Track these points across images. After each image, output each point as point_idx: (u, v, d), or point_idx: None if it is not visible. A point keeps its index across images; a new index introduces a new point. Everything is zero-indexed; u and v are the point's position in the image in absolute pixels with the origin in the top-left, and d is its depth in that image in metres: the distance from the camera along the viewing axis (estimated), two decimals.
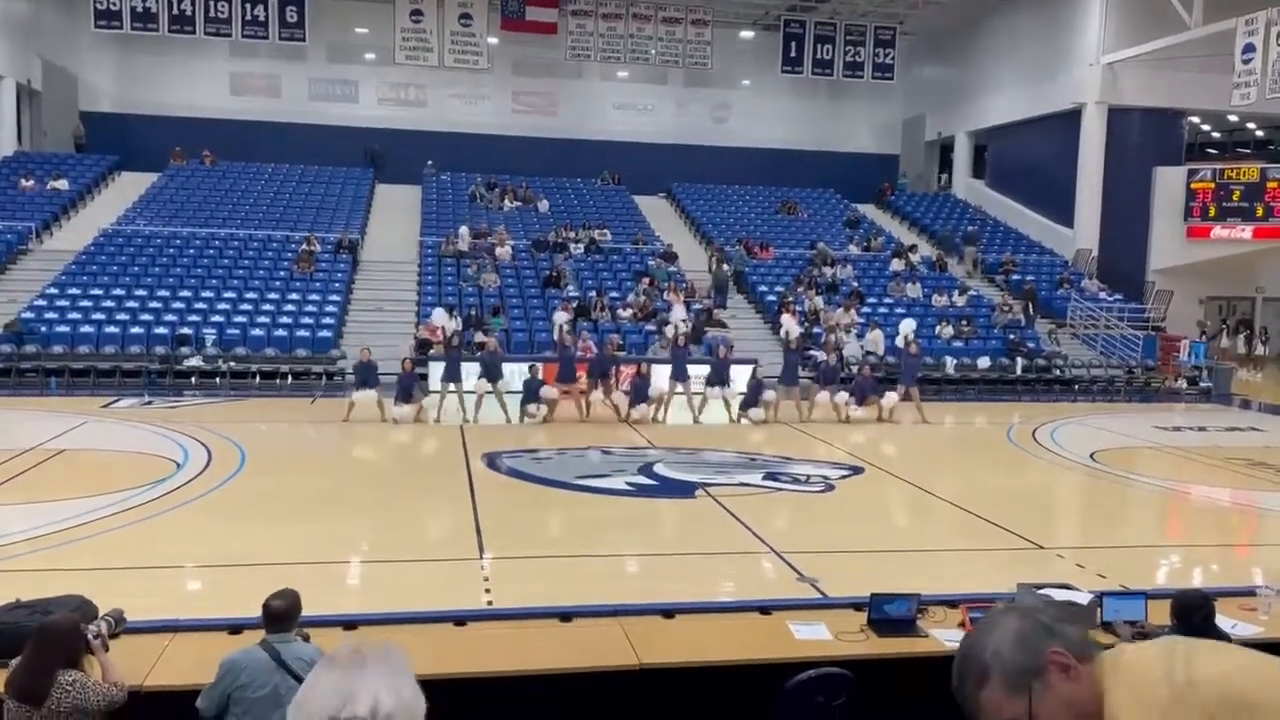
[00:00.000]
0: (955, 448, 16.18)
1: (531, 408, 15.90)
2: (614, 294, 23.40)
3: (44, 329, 19.18)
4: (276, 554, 8.22)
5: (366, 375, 15.60)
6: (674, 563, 8.58)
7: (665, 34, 32.22)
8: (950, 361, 21.61)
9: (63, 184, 26.56)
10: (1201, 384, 22.03)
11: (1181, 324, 25.19)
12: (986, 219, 31.42)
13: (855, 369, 18.26)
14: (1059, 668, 1.57)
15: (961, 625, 4.97)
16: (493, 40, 31.69)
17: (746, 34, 34.68)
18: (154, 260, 22.92)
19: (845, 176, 34.00)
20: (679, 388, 16.81)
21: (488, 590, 7.45)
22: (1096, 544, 9.73)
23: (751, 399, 16.44)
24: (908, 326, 20.49)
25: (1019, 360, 21.80)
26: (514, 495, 11.17)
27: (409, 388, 15.42)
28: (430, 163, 31.04)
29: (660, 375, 17.20)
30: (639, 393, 16.27)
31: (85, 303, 20.44)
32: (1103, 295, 25.66)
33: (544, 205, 29.62)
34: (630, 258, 26.18)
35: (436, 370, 17.77)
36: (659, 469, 12.42)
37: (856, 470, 12.64)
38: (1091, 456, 14.09)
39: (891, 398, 16.88)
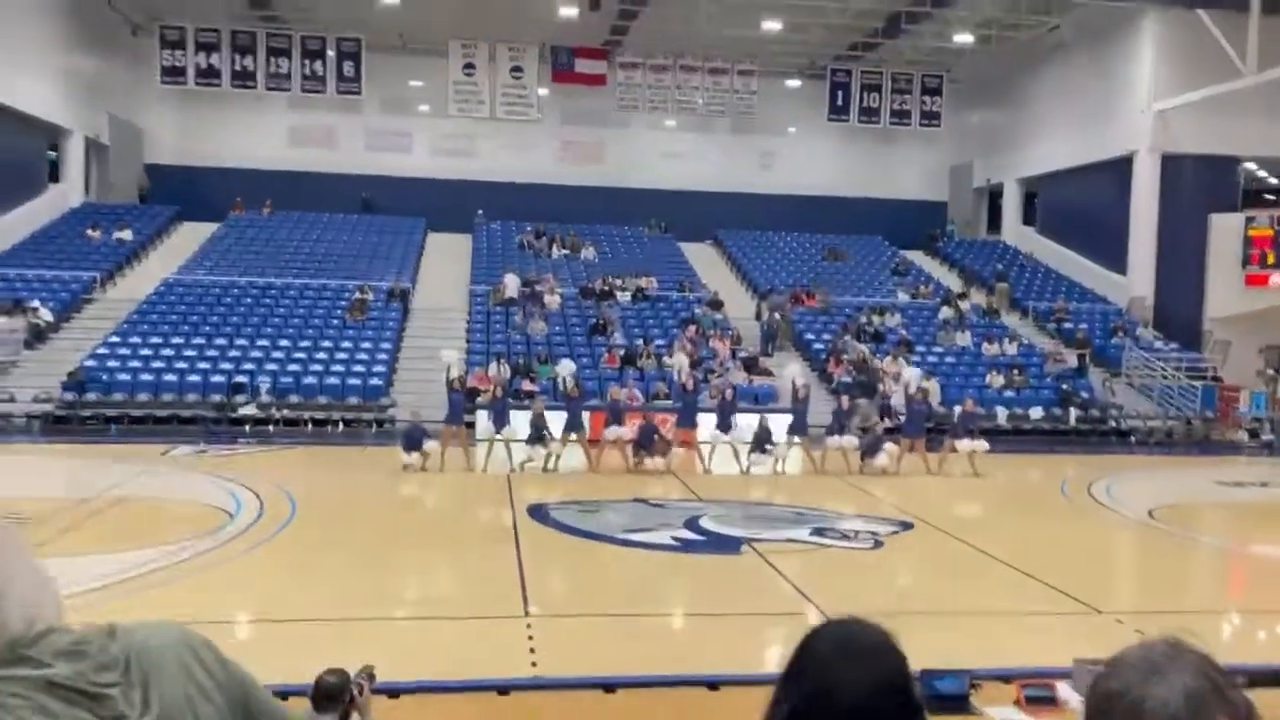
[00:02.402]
0: (1008, 502, 15.89)
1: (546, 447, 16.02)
2: (660, 342, 23.47)
3: (105, 377, 19.70)
4: (322, 610, 8.29)
5: (417, 438, 15.72)
6: (720, 624, 8.51)
7: (712, 84, 32.57)
8: (1002, 412, 21.30)
9: (127, 234, 27.39)
10: (1263, 436, 21.48)
11: (1241, 374, 24.61)
12: (1038, 266, 31.12)
13: (902, 416, 18.10)
14: None
15: (1016, 703, 4.87)
16: (543, 91, 32.25)
17: (792, 83, 34.92)
18: (212, 309, 23.49)
19: (892, 223, 33.92)
20: (724, 438, 16.77)
21: (532, 650, 7.43)
22: (1156, 609, 9.47)
23: (758, 444, 16.34)
24: (912, 375, 19.69)
25: (1072, 410, 21.44)
26: (559, 549, 11.17)
27: (418, 439, 15.60)
28: (480, 212, 31.52)
29: (705, 428, 17.19)
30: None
31: (145, 351, 20.98)
32: (1158, 344, 25.20)
33: (589, 253, 29.89)
34: (676, 305, 26.28)
35: (484, 419, 17.91)
36: (705, 523, 12.35)
37: (906, 526, 12.46)
38: (1150, 514, 13.76)
39: (892, 449, 16.62)
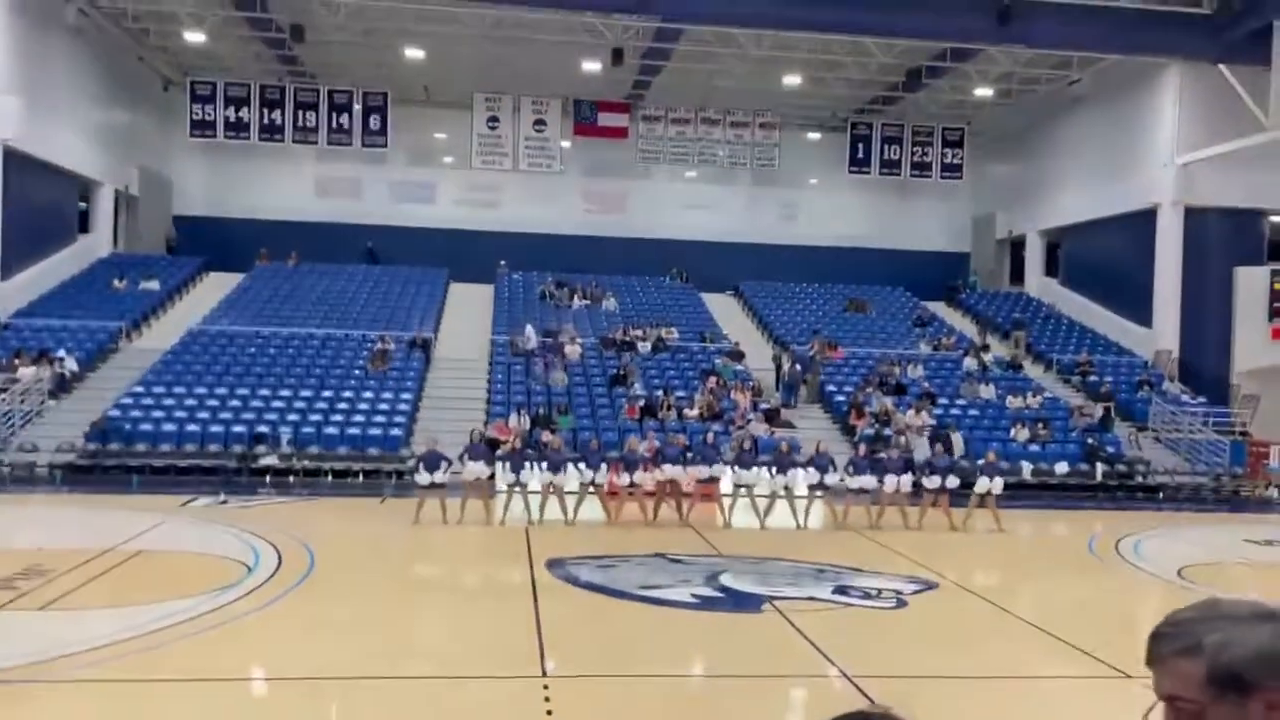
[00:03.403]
0: (1033, 560, 15.64)
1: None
2: (680, 393, 23.42)
3: (128, 427, 19.82)
4: (337, 668, 8.20)
5: (435, 461, 15.74)
6: (741, 686, 8.35)
7: (733, 137, 32.88)
8: (1027, 466, 21.04)
9: (154, 284, 27.75)
10: None
11: (1270, 428, 24.24)
12: (1061, 318, 30.95)
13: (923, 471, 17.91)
14: (1268, 705, 1.45)
15: None
16: (565, 144, 32.64)
17: (813, 136, 35.19)
18: (236, 359, 23.68)
19: (914, 274, 33.91)
20: (743, 490, 16.65)
21: (549, 712, 7.31)
22: None
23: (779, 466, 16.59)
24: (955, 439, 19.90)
25: (1099, 466, 21.16)
26: (577, 605, 11.04)
27: (436, 462, 15.63)
28: (502, 262, 31.76)
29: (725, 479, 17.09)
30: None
31: (169, 401, 21.13)
32: (1185, 398, 24.90)
33: (610, 303, 30.00)
34: (697, 356, 26.26)
35: (503, 471, 17.83)
36: (725, 579, 12.19)
37: (930, 585, 12.24)
38: (1179, 573, 13.48)
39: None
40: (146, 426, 19.92)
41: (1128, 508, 20.00)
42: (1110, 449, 22.05)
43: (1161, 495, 21.10)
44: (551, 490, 16.03)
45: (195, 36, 27.78)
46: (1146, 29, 23.74)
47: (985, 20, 23.12)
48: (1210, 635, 1.48)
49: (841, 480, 16.68)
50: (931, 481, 16.45)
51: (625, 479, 16.21)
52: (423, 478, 15.59)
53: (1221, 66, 24.36)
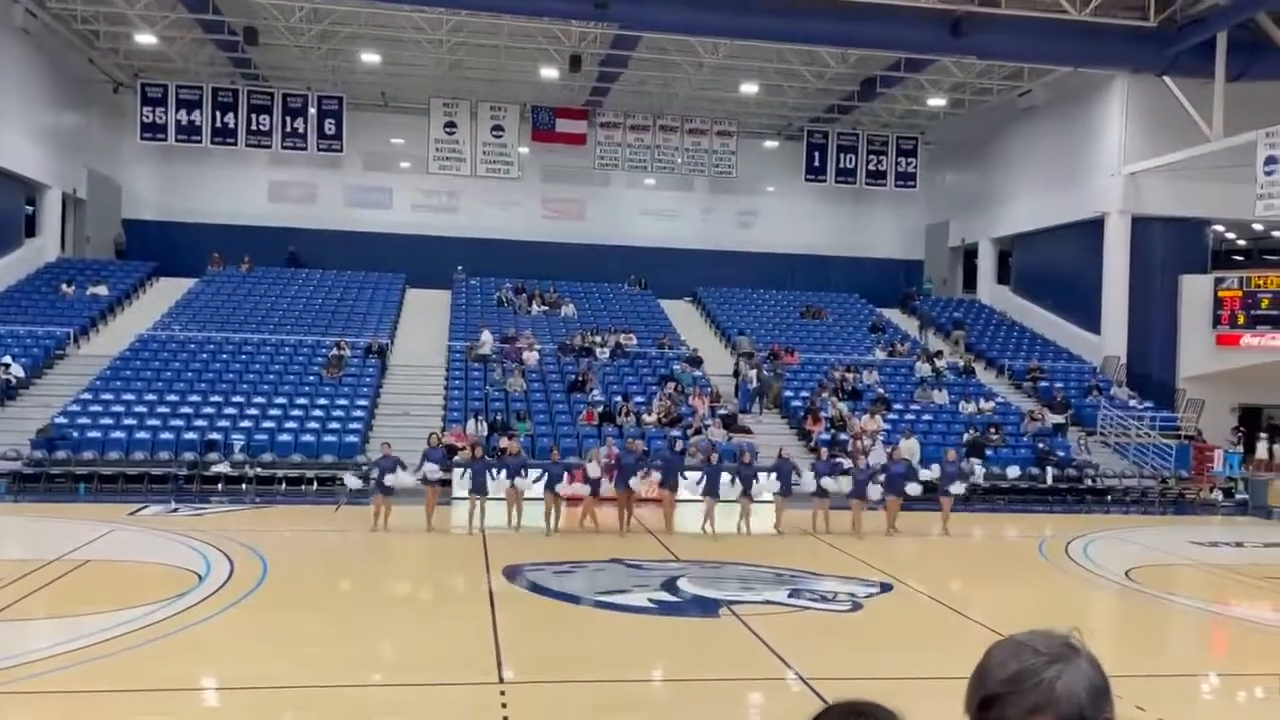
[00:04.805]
0: (985, 563, 15.86)
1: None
2: (639, 399, 23.45)
3: (76, 434, 19.43)
4: (290, 677, 8.11)
5: (390, 466, 15.62)
6: (698, 690, 8.39)
7: (691, 144, 33.02)
8: (979, 470, 21.32)
9: (102, 290, 27.24)
10: (1237, 496, 21.60)
11: (1215, 433, 24.81)
12: (1013, 325, 31.44)
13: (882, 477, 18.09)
14: None
15: None
16: (523, 150, 32.58)
17: (771, 144, 35.46)
18: (187, 365, 23.30)
19: (870, 281, 34.30)
20: (715, 503, 16.66)
21: (505, 719, 7.29)
22: (1135, 673, 9.38)
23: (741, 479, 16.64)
24: (910, 446, 20.17)
25: (1049, 470, 21.51)
26: (534, 612, 11.01)
27: (391, 466, 15.55)
28: (460, 268, 31.59)
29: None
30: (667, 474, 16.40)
31: (118, 408, 20.74)
32: (1133, 403, 25.40)
33: (569, 309, 29.97)
34: (655, 362, 26.31)
35: (461, 479, 17.74)
36: (682, 585, 12.23)
37: (885, 587, 12.38)
38: (1127, 574, 13.76)
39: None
40: (95, 434, 19.53)
41: (1077, 511, 20.36)
42: (1060, 453, 22.44)
43: (1110, 498, 21.48)
44: (510, 497, 15.95)
45: (146, 38, 27.33)
46: (1094, 42, 24.19)
47: (938, 32, 23.42)
48: (1056, 683, 1.48)
49: (798, 485, 16.80)
50: (873, 492, 16.61)
51: (585, 488, 16.16)
52: (383, 482, 15.47)
53: (1167, 79, 24.91)
